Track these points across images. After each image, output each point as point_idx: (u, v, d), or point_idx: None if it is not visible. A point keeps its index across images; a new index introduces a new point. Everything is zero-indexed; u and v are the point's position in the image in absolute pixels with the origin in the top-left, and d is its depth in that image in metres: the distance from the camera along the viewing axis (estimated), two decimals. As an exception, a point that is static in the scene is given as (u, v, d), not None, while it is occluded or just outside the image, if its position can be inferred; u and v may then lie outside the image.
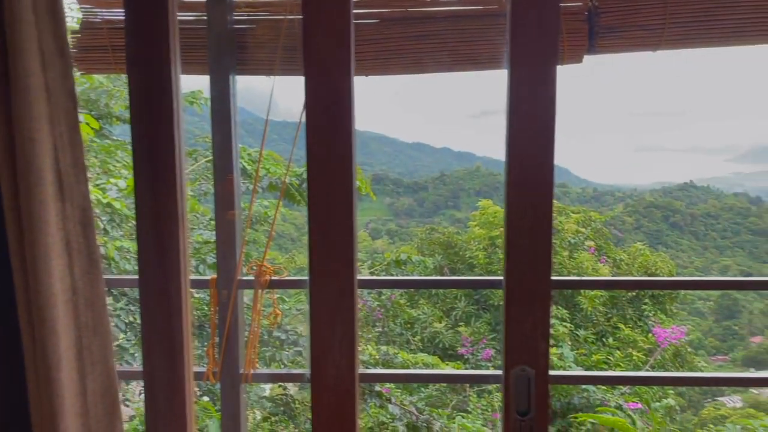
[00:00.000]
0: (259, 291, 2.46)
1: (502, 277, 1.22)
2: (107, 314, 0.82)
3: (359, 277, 1.23)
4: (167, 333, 1.10)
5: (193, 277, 3.89)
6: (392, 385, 5.40)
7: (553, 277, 1.21)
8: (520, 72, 1.16)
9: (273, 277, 2.49)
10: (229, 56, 2.35)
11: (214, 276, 2.45)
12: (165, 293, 1.10)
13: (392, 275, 4.74)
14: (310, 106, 1.12)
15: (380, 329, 7.82)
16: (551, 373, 1.21)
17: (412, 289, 8.87)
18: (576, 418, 4.94)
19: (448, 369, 4.92)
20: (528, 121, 1.16)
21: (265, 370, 2.57)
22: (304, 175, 4.01)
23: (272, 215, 7.16)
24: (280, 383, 3.75)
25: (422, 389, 6.49)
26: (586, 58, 2.39)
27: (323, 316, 1.18)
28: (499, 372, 1.22)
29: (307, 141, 1.12)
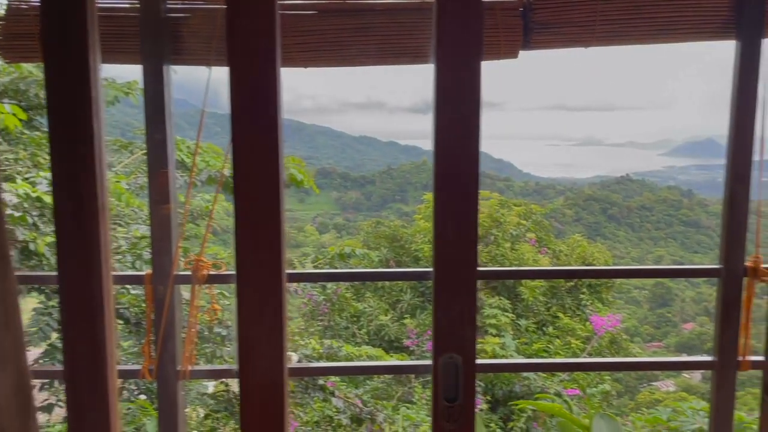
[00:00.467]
0: (197, 286, 2.41)
1: (431, 269, 1.23)
2: (19, 310, 0.79)
3: (290, 270, 1.23)
4: (89, 331, 1.06)
5: (130, 272, 3.78)
6: (337, 379, 5.40)
7: (479, 268, 1.23)
8: (444, 66, 1.17)
9: (211, 272, 2.45)
10: (163, 45, 2.28)
11: (149, 272, 2.39)
12: (86, 290, 1.06)
13: (336, 269, 4.73)
14: (234, 97, 1.10)
15: (326, 323, 7.80)
16: (478, 361, 1.24)
17: (358, 282, 8.89)
18: (516, 405, 5.06)
19: (383, 361, 4.94)
20: (453, 115, 1.18)
21: (204, 367, 2.53)
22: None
23: (215, 209, 7.02)
24: (223, 380, 3.69)
25: (368, 381, 6.52)
26: (522, 53, 2.44)
27: (250, 310, 1.17)
28: (429, 362, 1.24)
29: (232, 132, 1.11)
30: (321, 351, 3.93)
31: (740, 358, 2.46)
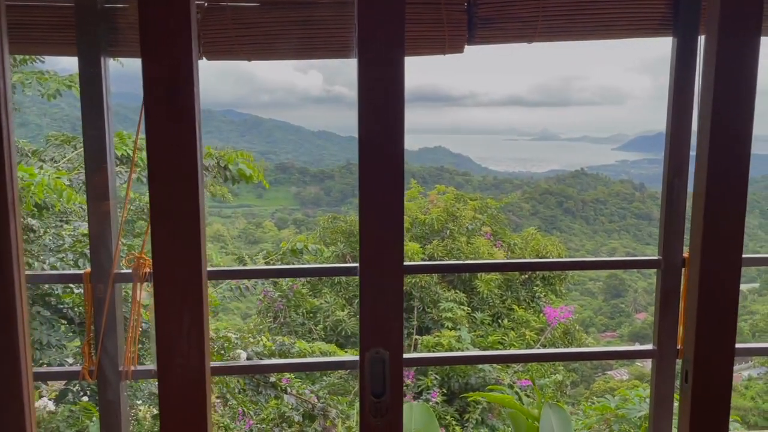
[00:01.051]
0: (138, 284, 2.35)
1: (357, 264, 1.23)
2: None
3: (211, 268, 1.20)
4: (1, 334, 1.02)
5: (71, 271, 3.67)
6: (292, 375, 5.37)
7: (405, 263, 1.23)
8: (368, 58, 1.16)
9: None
10: (99, 36, 2.21)
11: (88, 270, 2.31)
12: (-3, 289, 1.02)
13: (288, 264, 4.69)
14: (147, 88, 1.07)
15: (282, 320, 7.74)
16: (406, 356, 1.24)
17: (315, 279, 8.84)
18: (468, 397, 5.12)
19: (311, 357, 4.90)
20: (377, 106, 1.17)
21: (147, 367, 2.47)
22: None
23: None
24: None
25: (324, 377, 6.50)
26: (468, 48, 2.45)
27: (169, 306, 1.14)
28: (356, 358, 1.23)
29: (146, 125, 1.08)
30: (273, 348, 3.89)
31: (679, 347, 2.54)
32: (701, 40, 2.37)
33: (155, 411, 4.29)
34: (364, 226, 1.19)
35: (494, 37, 2.36)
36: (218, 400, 3.70)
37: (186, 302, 1.14)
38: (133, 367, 2.40)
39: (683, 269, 2.52)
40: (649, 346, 2.56)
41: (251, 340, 3.62)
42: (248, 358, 3.36)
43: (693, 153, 2.52)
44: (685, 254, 2.52)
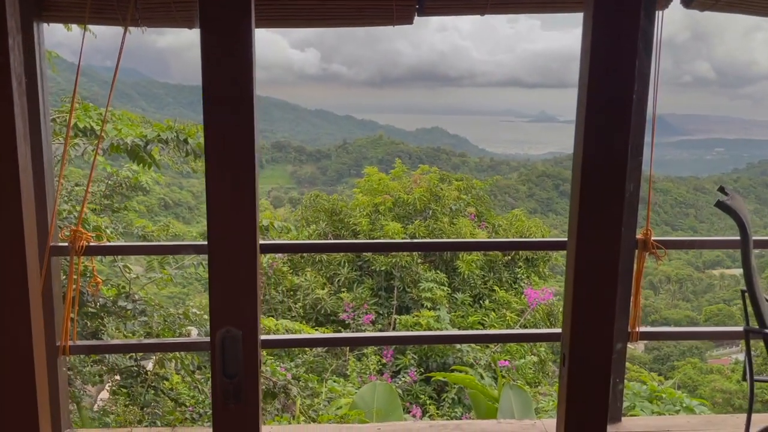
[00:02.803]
0: (76, 258, 2.29)
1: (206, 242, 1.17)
2: None
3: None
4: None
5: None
6: (265, 352, 5.34)
7: (261, 242, 1.18)
8: (208, 30, 1.09)
9: (92, 243, 2.33)
10: (29, 0, 2.12)
11: (22, 243, 2.25)
12: None
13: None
14: (207, 66, 1.00)
15: (260, 297, 7.71)
16: (264, 337, 1.18)
17: (297, 255, 8.80)
18: (431, 376, 5.10)
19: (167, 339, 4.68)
20: (223, 84, 1.10)
21: (86, 342, 2.42)
22: (150, 135, 3.79)
23: (143, 181, 6.80)
24: (131, 355, 3.58)
25: (302, 354, 6.49)
26: (418, 19, 2.37)
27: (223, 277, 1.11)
28: (207, 338, 1.18)
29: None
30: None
31: (630, 330, 2.50)
32: (659, 15, 2.30)
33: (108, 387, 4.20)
34: (211, 201, 1.13)
35: (444, 8, 2.28)
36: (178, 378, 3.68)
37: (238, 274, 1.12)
38: (71, 342, 2.35)
39: (636, 251, 2.48)
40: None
41: (205, 317, 3.56)
42: (197, 334, 3.32)
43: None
44: (639, 236, 2.47)
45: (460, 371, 4.82)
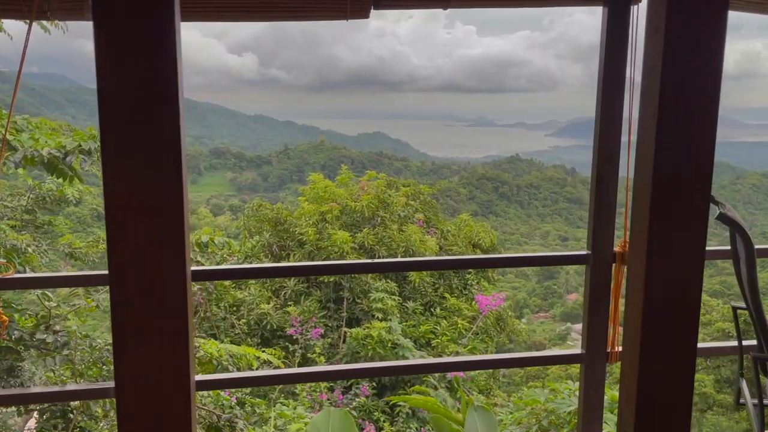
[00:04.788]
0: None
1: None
2: None
3: None
4: None
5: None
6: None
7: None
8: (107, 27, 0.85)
9: (-6, 276, 1.97)
10: None
11: None
12: None
13: (192, 260, 4.21)
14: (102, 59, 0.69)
15: (201, 314, 7.27)
16: (199, 377, 0.91)
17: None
18: (388, 400, 4.86)
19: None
20: (122, 82, 0.87)
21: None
22: (71, 146, 3.40)
23: (69, 193, 6.28)
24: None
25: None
26: (375, 12, 2.12)
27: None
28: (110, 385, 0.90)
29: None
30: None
31: (609, 350, 2.32)
32: (635, 10, 2.12)
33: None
34: (112, 231, 0.86)
35: (402, 1, 2.04)
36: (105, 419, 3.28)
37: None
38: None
39: (614, 265, 2.30)
40: (576, 350, 2.33)
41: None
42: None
43: (625, 138, 2.28)
44: (617, 248, 2.29)
45: (420, 392, 4.58)
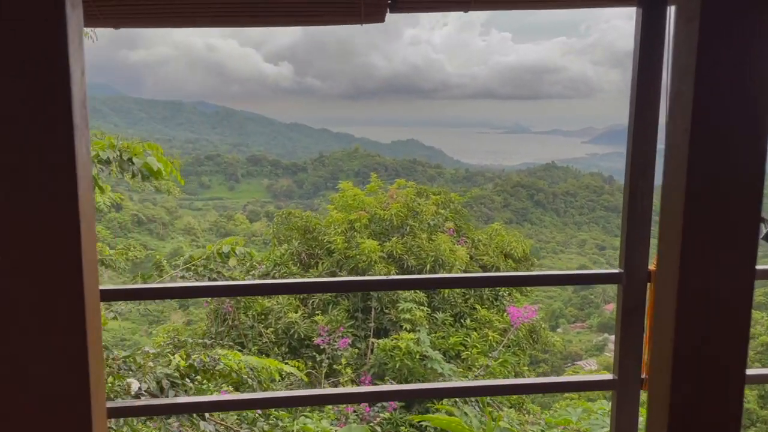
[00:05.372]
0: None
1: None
2: None
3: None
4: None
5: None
6: (229, 388, 4.91)
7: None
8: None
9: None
10: None
11: None
12: None
13: (212, 270, 4.16)
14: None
15: (230, 323, 7.26)
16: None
17: (267, 278, 8.37)
18: (412, 420, 4.72)
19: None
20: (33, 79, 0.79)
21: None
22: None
23: (100, 202, 6.34)
24: None
25: (273, 385, 6.06)
26: (390, 16, 2.02)
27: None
28: None
29: None
30: (193, 364, 3.41)
31: (644, 376, 2.15)
32: (671, 11, 1.97)
33: None
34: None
35: (422, 4, 1.93)
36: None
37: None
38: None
39: (648, 284, 2.14)
40: (608, 376, 2.17)
41: (154, 362, 3.10)
42: (141, 390, 2.85)
43: (661, 146, 2.13)
44: (652, 266, 2.13)
45: (446, 411, 4.43)
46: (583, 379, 2.58)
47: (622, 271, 2.11)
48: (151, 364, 2.93)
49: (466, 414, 3.41)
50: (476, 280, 4.40)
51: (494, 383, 3.88)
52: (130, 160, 3.16)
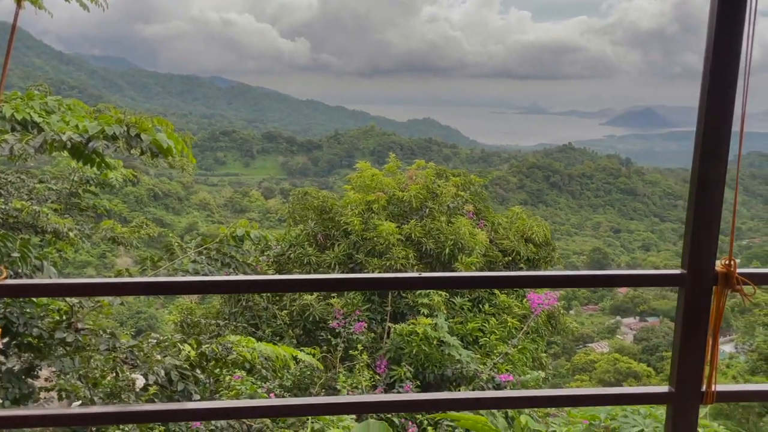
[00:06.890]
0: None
1: None
2: None
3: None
4: None
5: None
6: (243, 373, 4.75)
7: None
8: None
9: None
10: None
11: None
12: None
13: (225, 254, 3.95)
14: None
15: (244, 303, 7.10)
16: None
17: (283, 258, 8.21)
18: (434, 417, 4.53)
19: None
20: None
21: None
22: (93, 130, 3.16)
23: (112, 177, 6.15)
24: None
25: (287, 371, 5.92)
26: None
27: None
28: None
29: None
30: (204, 353, 3.22)
31: (704, 389, 1.92)
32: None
33: None
34: None
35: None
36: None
37: None
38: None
39: (714, 287, 1.89)
40: (664, 388, 1.94)
41: (160, 353, 2.92)
42: (149, 383, 2.70)
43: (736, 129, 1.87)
44: (719, 267, 1.89)
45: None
46: (635, 391, 2.34)
47: (684, 272, 1.87)
48: (158, 357, 2.76)
49: (492, 414, 3.21)
50: (518, 280, 3.82)
51: (535, 394, 3.62)
52: (138, 136, 2.94)
